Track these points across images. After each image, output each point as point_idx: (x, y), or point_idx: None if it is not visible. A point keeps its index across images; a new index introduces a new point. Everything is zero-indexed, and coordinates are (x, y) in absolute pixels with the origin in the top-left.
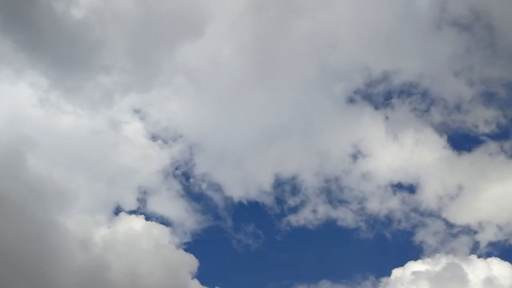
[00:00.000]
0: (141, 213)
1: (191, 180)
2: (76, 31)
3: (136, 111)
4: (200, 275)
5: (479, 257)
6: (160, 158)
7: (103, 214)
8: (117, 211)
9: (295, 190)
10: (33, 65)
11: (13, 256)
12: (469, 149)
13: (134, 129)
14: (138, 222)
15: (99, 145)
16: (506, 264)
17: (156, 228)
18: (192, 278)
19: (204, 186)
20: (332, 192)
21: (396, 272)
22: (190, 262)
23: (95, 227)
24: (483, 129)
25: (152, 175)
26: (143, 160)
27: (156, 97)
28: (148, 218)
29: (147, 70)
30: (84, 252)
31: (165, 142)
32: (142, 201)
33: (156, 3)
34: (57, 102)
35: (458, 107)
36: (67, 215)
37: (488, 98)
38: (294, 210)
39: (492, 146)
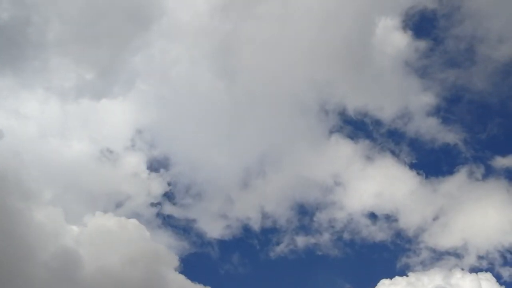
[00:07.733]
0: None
1: (175, 213)
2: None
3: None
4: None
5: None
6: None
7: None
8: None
9: (276, 222)
10: None
11: None
12: (445, 175)
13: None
14: (110, 219)
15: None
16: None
17: (130, 223)
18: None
19: (185, 220)
20: (312, 222)
21: None
22: (169, 256)
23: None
24: (458, 153)
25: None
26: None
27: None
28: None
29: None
30: (57, 247)
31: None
32: None
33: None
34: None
35: (432, 140)
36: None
37: (462, 123)
38: (276, 241)
39: (468, 169)
